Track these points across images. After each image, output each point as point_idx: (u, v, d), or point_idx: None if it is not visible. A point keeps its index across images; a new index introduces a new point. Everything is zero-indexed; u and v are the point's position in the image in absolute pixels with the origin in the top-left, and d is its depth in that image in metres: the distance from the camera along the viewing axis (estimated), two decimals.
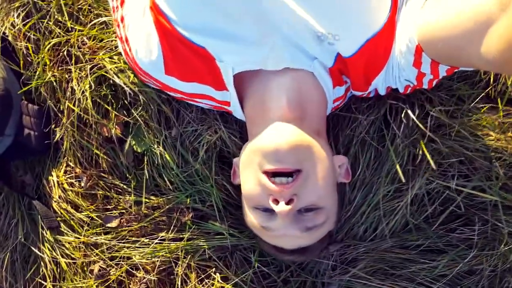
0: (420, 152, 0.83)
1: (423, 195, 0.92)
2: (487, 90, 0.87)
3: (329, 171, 0.77)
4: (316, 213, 0.75)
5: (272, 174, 0.71)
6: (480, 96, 0.87)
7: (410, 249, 0.96)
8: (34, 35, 0.94)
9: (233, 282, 0.93)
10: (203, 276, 0.94)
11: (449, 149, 0.88)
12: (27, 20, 0.94)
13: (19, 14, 0.94)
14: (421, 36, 0.63)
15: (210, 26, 0.71)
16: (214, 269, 0.94)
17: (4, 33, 0.94)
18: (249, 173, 0.75)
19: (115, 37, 0.93)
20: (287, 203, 0.70)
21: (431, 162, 0.81)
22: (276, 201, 0.70)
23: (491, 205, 0.91)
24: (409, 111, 0.85)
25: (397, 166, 0.80)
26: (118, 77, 0.90)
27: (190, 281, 0.93)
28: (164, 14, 0.72)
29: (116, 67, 0.91)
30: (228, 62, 0.74)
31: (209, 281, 0.94)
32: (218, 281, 0.93)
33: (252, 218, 0.77)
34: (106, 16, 0.95)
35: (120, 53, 0.92)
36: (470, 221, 0.94)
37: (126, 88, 0.89)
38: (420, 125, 0.79)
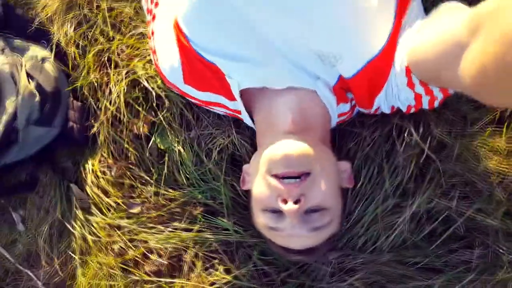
0: (414, 169, 0.85)
1: (422, 214, 0.93)
2: (495, 113, 0.87)
3: (334, 175, 0.82)
4: (321, 214, 0.79)
5: (280, 177, 0.77)
6: (487, 119, 0.87)
7: (408, 265, 0.98)
8: (82, 42, 1.10)
9: (234, 275, 1.02)
10: (208, 265, 1.03)
11: (452, 169, 0.90)
12: (78, 29, 1.10)
13: (71, 24, 1.10)
14: (409, 58, 0.67)
15: (220, 47, 0.79)
16: (218, 261, 1.03)
17: (58, 39, 1.10)
18: (259, 178, 0.80)
19: (149, 47, 1.05)
20: (295, 203, 0.75)
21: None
22: (285, 201, 0.75)
23: (493, 230, 0.90)
24: (412, 130, 0.88)
25: (389, 185, 0.83)
26: (148, 82, 1.02)
27: (196, 269, 1.03)
28: (183, 33, 0.81)
29: (147, 73, 1.03)
30: (235, 79, 0.81)
31: (213, 271, 1.03)
32: (220, 272, 1.02)
33: (261, 220, 0.82)
34: (143, 28, 1.08)
35: (151, 61, 1.04)
36: (471, 244, 0.94)
37: (153, 92, 1.01)
38: (421, 142, 0.81)
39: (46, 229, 1.13)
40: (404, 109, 0.81)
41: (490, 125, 0.87)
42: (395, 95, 0.78)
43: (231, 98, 0.87)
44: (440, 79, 0.60)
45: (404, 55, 0.68)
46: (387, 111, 0.85)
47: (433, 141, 0.89)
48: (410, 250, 0.96)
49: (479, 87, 0.46)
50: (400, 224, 0.94)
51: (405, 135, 0.90)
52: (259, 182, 0.80)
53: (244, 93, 0.84)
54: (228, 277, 1.02)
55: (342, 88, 0.82)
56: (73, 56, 1.10)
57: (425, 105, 0.77)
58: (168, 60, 0.88)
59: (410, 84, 0.71)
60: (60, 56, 1.12)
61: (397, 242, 0.97)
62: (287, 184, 0.75)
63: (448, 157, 0.90)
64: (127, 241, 1.06)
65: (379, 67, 0.74)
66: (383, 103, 0.82)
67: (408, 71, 0.68)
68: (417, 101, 0.76)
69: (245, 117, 0.91)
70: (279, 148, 0.77)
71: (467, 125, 0.89)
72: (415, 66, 0.66)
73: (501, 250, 0.89)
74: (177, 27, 0.82)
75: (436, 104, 0.77)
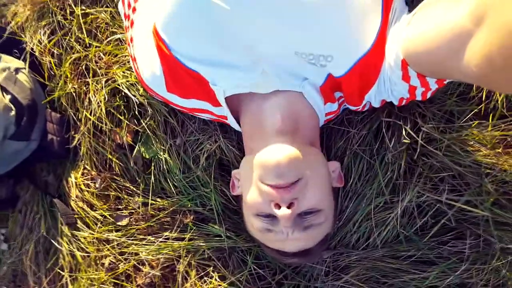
0: (404, 164, 0.85)
1: (413, 208, 0.94)
2: (480, 107, 0.88)
3: (325, 176, 0.82)
4: (315, 215, 0.79)
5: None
6: (473, 112, 0.88)
7: (402, 259, 0.98)
8: (57, 50, 1.05)
9: (229, 281, 1.00)
10: (202, 273, 1.02)
11: (440, 163, 0.90)
12: (52, 37, 1.05)
13: (45, 32, 1.05)
14: (405, 51, 0.66)
15: (202, 54, 0.77)
16: (212, 268, 1.01)
17: (32, 48, 1.05)
18: (251, 184, 0.79)
19: (128, 54, 1.01)
20: (288, 207, 0.75)
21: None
22: (278, 206, 0.75)
23: (483, 219, 0.92)
24: (403, 126, 0.88)
25: (381, 181, 0.83)
26: (129, 90, 0.99)
27: (190, 278, 1.01)
28: (163, 40, 0.78)
29: (127, 81, 1.00)
30: (220, 86, 0.79)
31: (207, 279, 1.01)
32: (215, 280, 1.00)
33: (254, 225, 0.82)
34: (121, 33, 1.04)
35: (131, 68, 1.00)
36: (463, 234, 0.95)
37: (135, 100, 0.98)
38: (414, 135, 0.81)
39: (31, 247, 1.09)
40: (396, 102, 0.81)
41: (475, 119, 0.88)
42: (387, 89, 0.77)
43: (216, 104, 0.85)
44: (441, 70, 0.60)
45: (398, 48, 0.67)
46: (377, 105, 0.84)
47: (422, 136, 0.90)
48: (403, 244, 0.97)
49: (485, 76, 0.46)
50: (392, 220, 0.95)
51: (393, 131, 0.90)
52: (251, 188, 0.80)
53: (229, 98, 0.83)
54: (224, 284, 1.00)
55: (330, 87, 0.81)
56: (48, 66, 1.06)
57: (419, 97, 0.77)
58: (149, 68, 0.85)
59: (406, 78, 0.71)
60: (35, 66, 1.07)
61: (389, 237, 0.98)
62: (279, 190, 0.75)
63: (435, 151, 0.91)
64: (117, 254, 1.03)
65: (370, 63, 0.74)
66: (373, 98, 0.82)
67: (404, 65, 0.68)
68: (411, 93, 0.75)
69: (231, 122, 0.89)
70: (270, 156, 0.76)
71: (454, 118, 0.90)
72: (413, 59, 0.65)
73: (492, 239, 0.90)
74: (156, 34, 0.79)
75: (428, 95, 0.77)
